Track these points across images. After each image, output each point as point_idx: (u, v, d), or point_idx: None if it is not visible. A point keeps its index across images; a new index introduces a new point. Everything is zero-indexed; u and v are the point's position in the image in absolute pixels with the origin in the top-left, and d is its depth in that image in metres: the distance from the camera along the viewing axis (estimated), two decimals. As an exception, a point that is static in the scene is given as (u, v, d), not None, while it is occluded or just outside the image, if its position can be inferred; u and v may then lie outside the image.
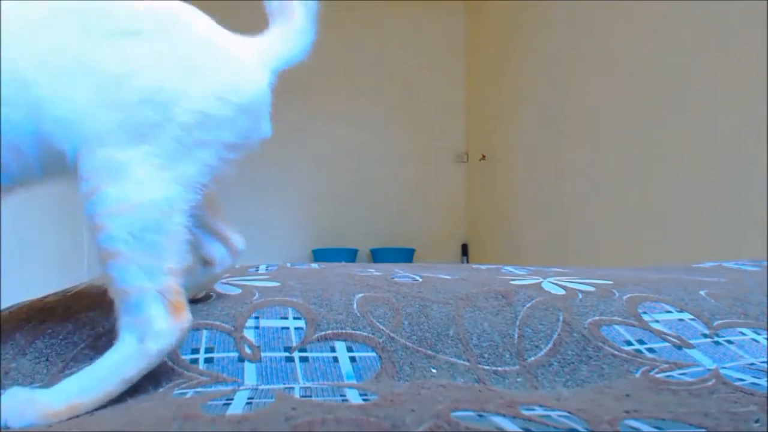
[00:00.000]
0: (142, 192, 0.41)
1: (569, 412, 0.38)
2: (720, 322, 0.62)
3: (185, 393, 0.44)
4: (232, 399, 0.41)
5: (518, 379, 0.52)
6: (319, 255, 4.24)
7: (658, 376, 0.51)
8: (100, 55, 0.42)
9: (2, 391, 0.41)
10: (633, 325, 0.60)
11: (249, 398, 0.41)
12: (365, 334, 0.55)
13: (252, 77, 0.48)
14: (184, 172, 0.43)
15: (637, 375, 0.52)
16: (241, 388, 0.46)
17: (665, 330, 0.59)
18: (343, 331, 0.55)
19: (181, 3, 0.48)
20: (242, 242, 0.58)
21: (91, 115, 0.41)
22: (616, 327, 0.59)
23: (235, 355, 0.51)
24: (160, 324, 0.42)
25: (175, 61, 0.44)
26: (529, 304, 0.62)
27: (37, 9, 0.43)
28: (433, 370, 0.52)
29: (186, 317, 0.44)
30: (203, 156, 0.44)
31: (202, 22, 0.48)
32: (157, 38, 0.44)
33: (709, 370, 0.52)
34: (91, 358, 0.49)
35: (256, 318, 0.56)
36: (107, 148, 0.41)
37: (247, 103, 0.47)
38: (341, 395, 0.42)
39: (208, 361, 0.49)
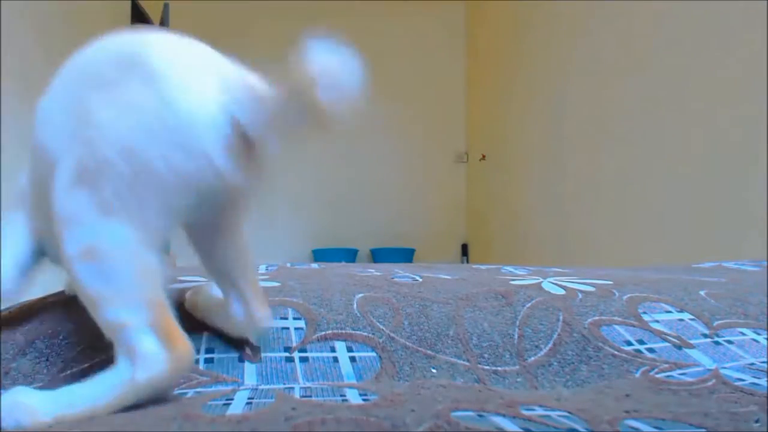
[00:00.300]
0: (96, 237, 0.41)
1: (569, 412, 0.38)
2: (720, 322, 0.62)
3: (185, 393, 0.44)
4: (232, 399, 0.41)
5: (518, 379, 0.52)
6: (319, 255, 4.24)
7: (658, 376, 0.51)
8: (83, 112, 0.43)
9: (2, 391, 0.41)
10: (633, 325, 0.60)
11: (249, 398, 0.41)
12: (365, 334, 0.55)
13: (189, 109, 0.41)
14: (129, 212, 0.41)
15: (637, 375, 0.52)
16: (241, 388, 0.46)
17: (665, 330, 0.59)
18: (343, 331, 0.55)
19: (149, 35, 0.45)
20: (267, 320, 0.52)
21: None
22: (616, 327, 0.59)
23: (235, 355, 0.51)
24: (150, 354, 0.40)
25: (118, 103, 0.42)
26: (529, 304, 0.62)
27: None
28: (433, 370, 0.52)
29: (183, 346, 0.42)
30: (144, 194, 0.41)
31: (164, 53, 0.44)
32: (113, 86, 0.42)
33: (709, 370, 0.52)
34: (91, 358, 0.49)
35: (256, 318, 0.55)
36: (59, 193, 0.42)
37: (178, 136, 0.41)
38: (341, 395, 0.42)
39: (208, 361, 0.49)
